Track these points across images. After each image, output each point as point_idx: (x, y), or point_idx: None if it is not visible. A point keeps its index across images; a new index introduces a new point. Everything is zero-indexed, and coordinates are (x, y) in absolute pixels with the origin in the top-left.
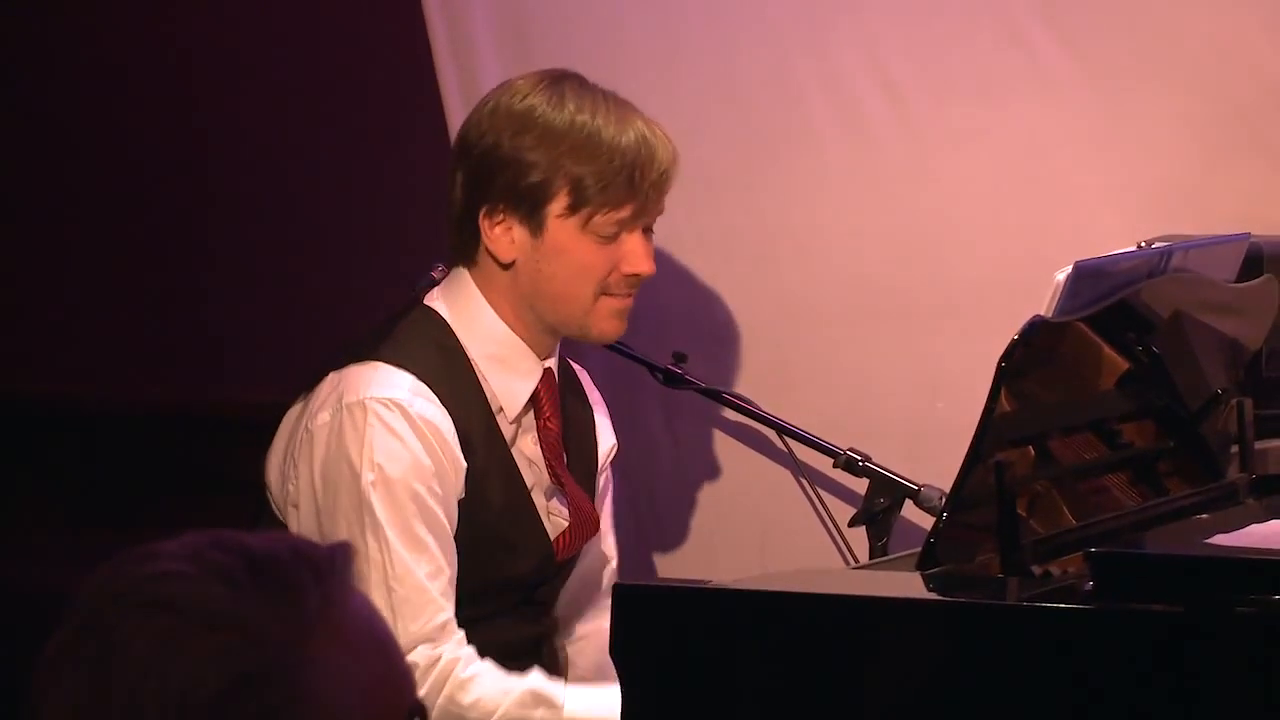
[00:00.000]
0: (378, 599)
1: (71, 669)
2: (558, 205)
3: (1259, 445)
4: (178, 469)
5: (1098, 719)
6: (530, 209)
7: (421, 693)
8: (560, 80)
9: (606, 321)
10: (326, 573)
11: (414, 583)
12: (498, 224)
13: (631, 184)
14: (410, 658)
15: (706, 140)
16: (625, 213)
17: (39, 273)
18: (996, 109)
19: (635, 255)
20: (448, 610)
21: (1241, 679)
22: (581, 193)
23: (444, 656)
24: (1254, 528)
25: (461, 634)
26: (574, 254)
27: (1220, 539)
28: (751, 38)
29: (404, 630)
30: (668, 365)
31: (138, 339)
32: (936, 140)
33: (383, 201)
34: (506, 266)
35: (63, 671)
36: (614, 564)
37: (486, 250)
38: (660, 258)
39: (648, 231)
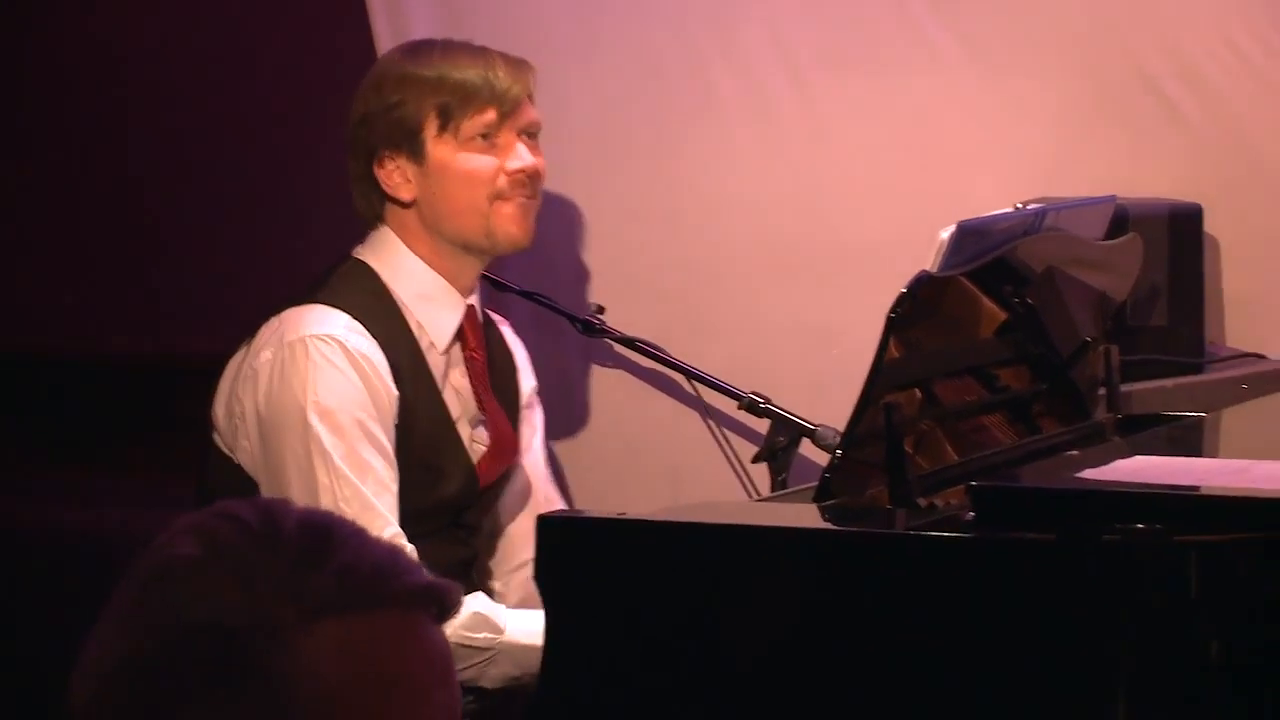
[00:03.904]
0: None
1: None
2: (430, 129)
3: (1124, 388)
4: (139, 413)
5: (978, 638)
6: (410, 142)
7: None
8: (418, 41)
9: (509, 224)
10: (370, 595)
11: (362, 501)
12: (392, 170)
13: (490, 90)
14: None
15: (622, 113)
16: (490, 115)
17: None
18: (888, 82)
19: (515, 153)
20: (394, 524)
21: (1109, 601)
22: (447, 111)
23: None
24: (1119, 463)
25: (411, 548)
26: (457, 166)
27: (1089, 473)
28: (663, 18)
29: None
30: (587, 317)
31: (104, 296)
32: (832, 111)
33: (323, 163)
34: (410, 205)
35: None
36: (554, 504)
37: (390, 199)
38: (581, 219)
39: (528, 137)
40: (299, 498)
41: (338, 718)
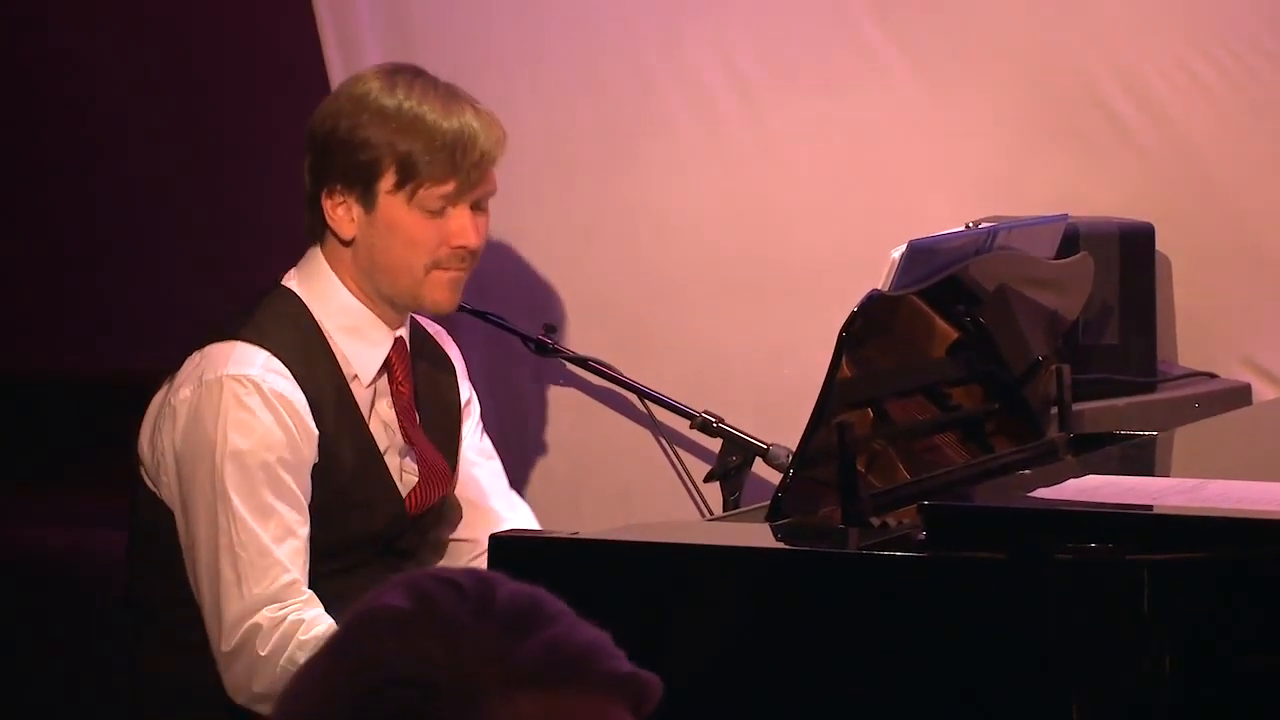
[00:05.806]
0: (225, 564)
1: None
2: (387, 182)
3: (1076, 407)
4: (79, 430)
5: (929, 657)
6: (364, 186)
7: (263, 653)
8: (397, 70)
9: (439, 292)
10: (575, 674)
11: (258, 547)
12: (339, 204)
13: (453, 162)
14: (255, 619)
15: (572, 131)
16: (449, 188)
17: None
18: (836, 102)
19: (461, 229)
20: (293, 572)
21: (1061, 621)
22: (408, 169)
23: (289, 618)
24: (1071, 482)
25: (310, 595)
26: (403, 228)
27: (1041, 492)
28: (612, 37)
29: (248, 592)
30: (538, 336)
31: (46, 313)
32: (781, 130)
33: (269, 184)
34: (348, 243)
35: None
36: (509, 506)
37: (330, 229)
38: (531, 238)
39: (478, 208)
40: (204, 538)
41: None
